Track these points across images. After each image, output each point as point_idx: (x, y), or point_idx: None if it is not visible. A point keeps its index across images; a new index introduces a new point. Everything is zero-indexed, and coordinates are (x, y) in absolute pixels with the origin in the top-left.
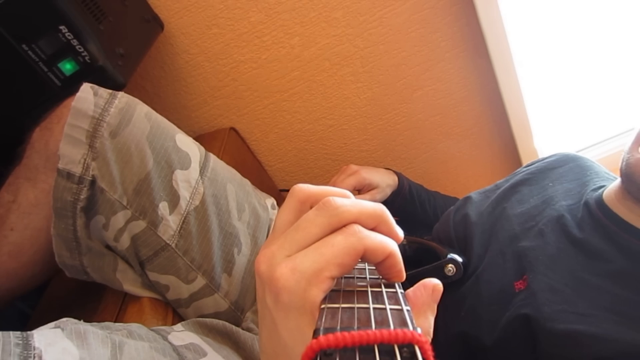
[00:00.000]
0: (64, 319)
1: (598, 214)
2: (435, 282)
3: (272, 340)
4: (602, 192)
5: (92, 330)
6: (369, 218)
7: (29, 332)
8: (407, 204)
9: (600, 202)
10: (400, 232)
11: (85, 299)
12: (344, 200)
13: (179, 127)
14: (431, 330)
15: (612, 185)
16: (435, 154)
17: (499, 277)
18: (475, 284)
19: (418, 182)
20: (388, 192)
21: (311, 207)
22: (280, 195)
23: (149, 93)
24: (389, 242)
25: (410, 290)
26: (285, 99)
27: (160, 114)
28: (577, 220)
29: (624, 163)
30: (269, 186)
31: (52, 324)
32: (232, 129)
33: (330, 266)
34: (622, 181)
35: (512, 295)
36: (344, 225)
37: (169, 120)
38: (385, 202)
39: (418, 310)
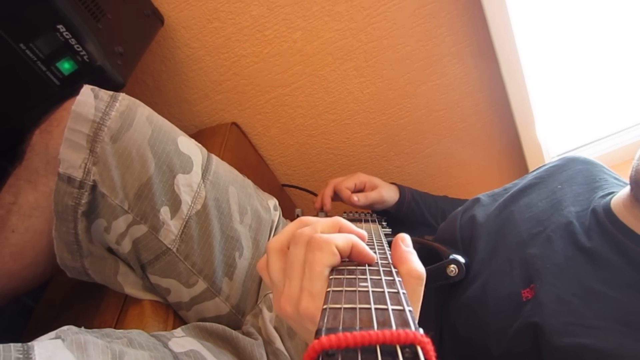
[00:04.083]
0: (65, 328)
1: (605, 222)
2: (401, 235)
3: None
4: (610, 199)
5: (92, 341)
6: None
7: (29, 344)
8: (412, 211)
9: (607, 209)
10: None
11: (86, 296)
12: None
13: (180, 121)
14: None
15: (620, 192)
16: (438, 149)
17: (505, 285)
18: (481, 291)
19: (421, 177)
20: (388, 199)
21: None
22: (282, 190)
23: (150, 87)
24: (349, 236)
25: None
26: (287, 93)
27: (162, 107)
28: (585, 228)
29: (634, 170)
30: (271, 181)
31: (52, 334)
32: (234, 123)
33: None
34: (632, 188)
35: (519, 304)
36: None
37: (171, 113)
38: (391, 213)
39: (403, 259)
